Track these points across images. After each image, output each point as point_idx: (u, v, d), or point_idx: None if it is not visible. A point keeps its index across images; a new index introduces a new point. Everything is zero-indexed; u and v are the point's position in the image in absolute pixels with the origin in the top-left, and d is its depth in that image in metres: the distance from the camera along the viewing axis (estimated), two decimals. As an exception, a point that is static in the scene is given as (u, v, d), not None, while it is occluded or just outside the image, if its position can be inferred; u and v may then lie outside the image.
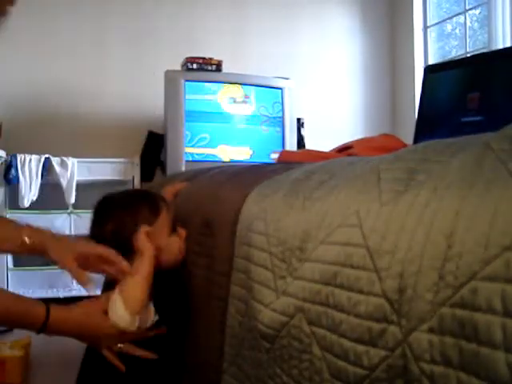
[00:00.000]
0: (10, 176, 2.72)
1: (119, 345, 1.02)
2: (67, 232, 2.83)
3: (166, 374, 1.10)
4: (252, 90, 3.15)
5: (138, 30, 3.39)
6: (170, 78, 2.99)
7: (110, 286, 1.09)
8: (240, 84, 3.13)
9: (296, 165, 1.15)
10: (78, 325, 0.99)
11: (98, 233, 1.13)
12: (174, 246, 1.15)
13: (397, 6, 3.96)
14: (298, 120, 3.36)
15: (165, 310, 1.07)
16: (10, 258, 2.81)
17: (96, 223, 1.14)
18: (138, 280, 1.01)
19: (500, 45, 3.08)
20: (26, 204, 2.73)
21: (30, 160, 2.77)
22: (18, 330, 1.00)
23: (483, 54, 1.40)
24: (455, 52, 3.61)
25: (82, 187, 2.94)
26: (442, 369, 0.49)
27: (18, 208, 2.75)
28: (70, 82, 3.24)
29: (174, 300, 1.14)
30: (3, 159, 2.74)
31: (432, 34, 3.75)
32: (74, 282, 1.05)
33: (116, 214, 1.12)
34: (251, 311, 0.84)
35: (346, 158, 0.94)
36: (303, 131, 3.44)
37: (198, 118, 3.04)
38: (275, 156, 3.03)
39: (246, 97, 3.13)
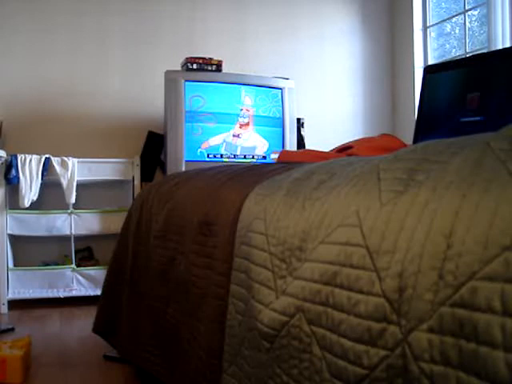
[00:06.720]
0: (11, 176, 2.72)
1: None
2: (67, 232, 2.84)
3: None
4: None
5: (138, 30, 3.39)
6: (170, 78, 2.99)
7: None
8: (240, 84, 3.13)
9: (296, 165, 1.15)
10: None
11: None
12: None
13: (396, 6, 3.96)
14: (298, 120, 3.37)
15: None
16: (10, 257, 2.81)
17: None
18: None
19: (499, 45, 3.09)
20: (27, 204, 2.73)
21: (31, 160, 2.77)
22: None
23: (482, 54, 1.40)
24: (454, 52, 3.61)
25: (82, 187, 2.95)
26: (442, 368, 0.49)
27: (19, 208, 2.76)
28: (70, 81, 3.25)
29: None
30: (3, 159, 2.74)
31: (431, 33, 3.75)
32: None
33: None
34: (251, 311, 0.84)
35: (346, 158, 0.94)
36: (303, 131, 3.44)
37: (198, 118, 3.04)
38: (275, 156, 3.04)
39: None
